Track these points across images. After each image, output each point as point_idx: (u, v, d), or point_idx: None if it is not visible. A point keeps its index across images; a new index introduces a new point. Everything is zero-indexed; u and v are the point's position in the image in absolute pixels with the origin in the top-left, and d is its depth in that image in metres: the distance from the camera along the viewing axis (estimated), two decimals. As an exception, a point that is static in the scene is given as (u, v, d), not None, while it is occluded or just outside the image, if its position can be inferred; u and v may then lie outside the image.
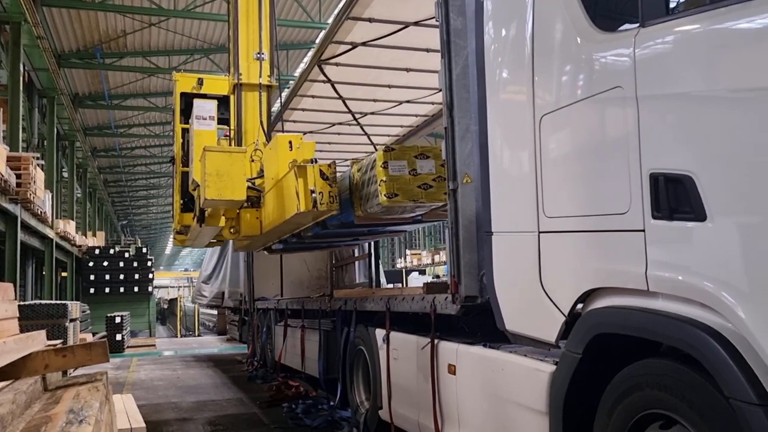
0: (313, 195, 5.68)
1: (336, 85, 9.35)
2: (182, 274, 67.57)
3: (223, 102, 8.70)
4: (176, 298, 30.70)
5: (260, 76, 7.95)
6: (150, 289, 24.06)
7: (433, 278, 29.32)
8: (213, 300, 16.71)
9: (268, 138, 7.74)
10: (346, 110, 10.54)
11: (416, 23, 7.47)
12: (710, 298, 2.48)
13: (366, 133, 11.89)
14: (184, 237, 9.16)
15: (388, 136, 12.38)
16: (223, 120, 8.70)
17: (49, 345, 3.31)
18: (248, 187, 6.75)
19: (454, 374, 4.44)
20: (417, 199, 5.02)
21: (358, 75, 9.01)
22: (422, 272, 30.30)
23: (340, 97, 9.89)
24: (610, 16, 3.21)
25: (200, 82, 9.37)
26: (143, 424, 2.69)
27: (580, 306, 3.30)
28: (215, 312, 23.52)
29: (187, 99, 9.08)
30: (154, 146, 33.47)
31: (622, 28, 3.04)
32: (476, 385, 4.17)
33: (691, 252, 2.58)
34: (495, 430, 3.94)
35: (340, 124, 11.18)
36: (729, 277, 2.42)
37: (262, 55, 7.94)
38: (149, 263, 24.30)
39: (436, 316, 4.72)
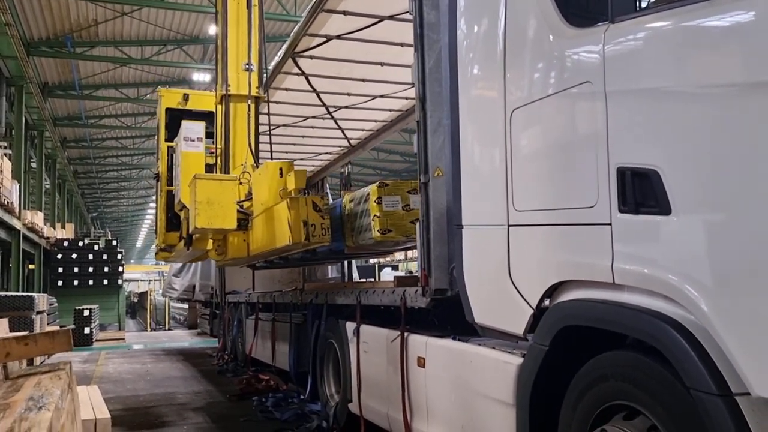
0: (305, 227, 5.63)
1: (310, 78, 9.30)
2: (153, 267, 66.78)
3: (208, 117, 8.60)
4: (146, 292, 30.35)
5: (249, 87, 7.81)
6: (120, 282, 23.77)
7: (406, 273, 29.36)
8: (184, 293, 16.57)
9: (256, 157, 7.66)
10: (320, 104, 10.51)
11: (391, 17, 7.45)
12: (674, 291, 2.52)
13: (340, 127, 11.88)
14: (167, 254, 9.14)
15: (362, 130, 12.35)
16: (208, 134, 8.61)
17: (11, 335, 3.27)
18: (237, 210, 6.72)
19: (424, 367, 4.45)
20: (410, 234, 5.03)
21: (333, 68, 8.96)
22: (395, 268, 30.32)
23: (314, 90, 9.84)
24: (581, 13, 3.24)
25: (186, 97, 9.29)
26: (108, 415, 2.66)
27: (547, 300, 3.34)
28: (186, 306, 23.32)
29: (173, 114, 9.00)
30: (125, 138, 32.99)
31: (592, 24, 3.07)
32: (445, 378, 4.19)
33: (656, 245, 2.62)
34: (463, 422, 3.97)
35: (314, 117, 11.10)
36: (692, 270, 2.46)
37: (251, 66, 7.82)
38: (119, 256, 24.00)
39: (406, 309, 4.73)
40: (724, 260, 2.36)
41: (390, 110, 11.20)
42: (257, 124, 7.93)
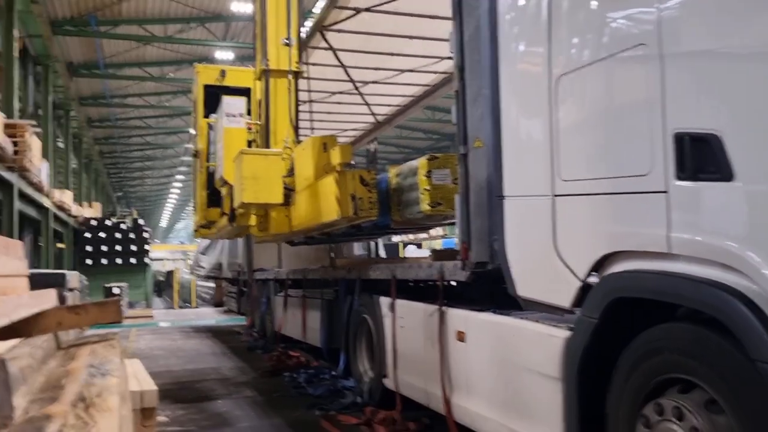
0: (354, 201, 5.59)
1: (338, 53, 9.22)
2: (177, 246, 67.46)
3: (245, 93, 8.53)
4: (173, 270, 30.67)
5: (289, 62, 7.69)
6: (146, 260, 24.00)
7: (430, 251, 29.23)
8: (211, 271, 16.68)
9: (297, 132, 7.60)
10: (347, 79, 10.42)
11: (421, -12, 7.34)
12: (738, 260, 2.43)
13: (367, 103, 11.79)
14: (207, 231, 9.15)
15: (389, 105, 12.27)
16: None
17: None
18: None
19: (463, 341, 4.40)
20: None
21: (361, 42, 8.88)
22: (419, 246, 30.24)
23: (342, 65, 9.77)
24: (633, -28, 3.11)
25: (223, 73, 9.22)
26: (154, 387, 2.64)
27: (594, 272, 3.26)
28: (212, 284, 23.51)
29: (209, 91, 8.95)
30: (149, 117, 33.14)
31: (646, -17, 2.94)
32: (486, 352, 4.13)
33: (718, 213, 2.53)
34: (505, 396, 3.91)
35: (340, 93, 11.03)
36: (756, 237, 2.37)
37: (291, 41, 7.71)
38: (146, 235, 24.21)
39: (444, 283, 4.67)
40: (794, 227, 2.26)
41: (417, 85, 11.10)
42: (297, 100, 7.86)
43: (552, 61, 3.46)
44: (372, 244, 13.71)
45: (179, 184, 51.81)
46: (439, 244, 33.31)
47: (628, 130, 2.96)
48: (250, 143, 7.73)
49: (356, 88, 10.66)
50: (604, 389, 3.17)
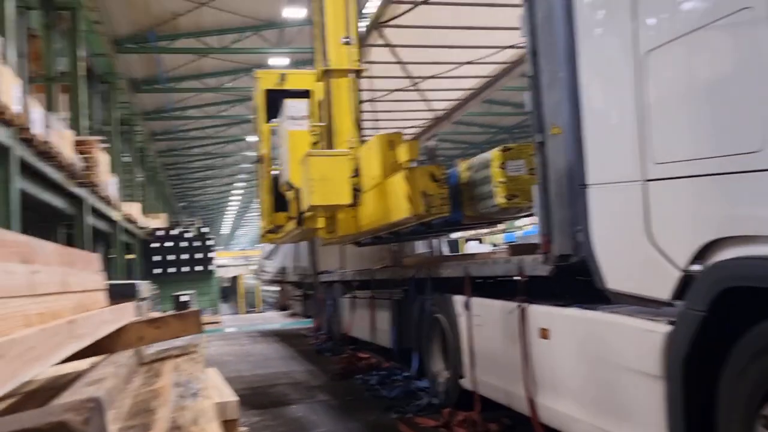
0: (425, 198, 5.45)
1: (395, 49, 9.09)
2: (240, 253, 68.63)
3: (305, 95, 8.48)
4: (237, 276, 31.16)
5: (349, 61, 7.58)
6: (212, 268, 24.44)
7: (493, 246, 28.83)
8: (276, 275, 16.79)
9: (360, 131, 7.51)
10: (404, 75, 10.28)
11: (480, -24, 7.13)
12: None
13: (425, 99, 11.62)
14: (274, 235, 9.16)
15: (448, 100, 12.07)
16: None
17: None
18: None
19: (547, 338, 4.18)
20: None
21: (419, 36, 8.73)
22: (480, 241, 29.81)
23: (399, 61, 9.63)
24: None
25: (283, 77, 9.22)
26: (236, 398, 2.55)
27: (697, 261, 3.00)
28: (277, 288, 23.74)
29: (270, 95, 8.95)
30: (209, 127, 33.78)
31: (746, -59, 2.68)
32: (574, 350, 3.90)
33: None
34: (597, 396, 3.68)
35: (397, 90, 10.89)
36: None
37: (350, 39, 7.61)
38: (210, 242, 24.66)
39: (524, 279, 4.46)
40: None
41: (476, 77, 10.87)
42: (359, 99, 7.75)
43: (639, 35, 3.22)
44: (435, 241, 13.52)
45: (239, 192, 52.73)
46: (500, 239, 32.82)
47: (735, 104, 2.70)
48: (313, 145, 7.66)
49: (414, 84, 10.50)
50: (709, 388, 2.91)
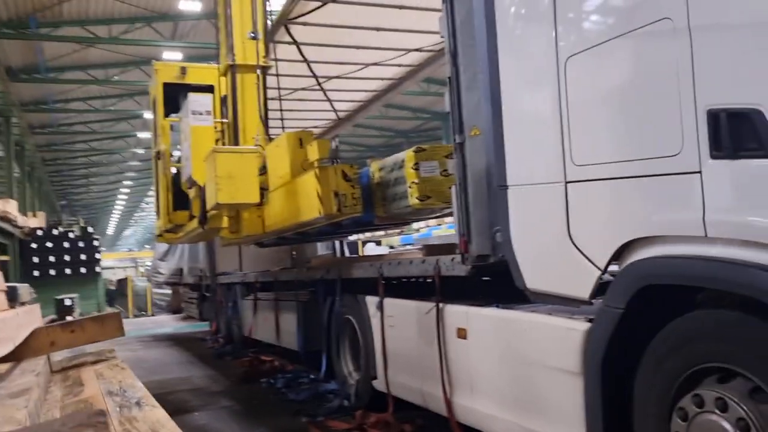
0: (337, 198, 5.35)
1: (302, 47, 8.94)
2: (126, 254, 65.78)
3: (208, 90, 8.11)
4: (126, 278, 29.76)
5: (257, 57, 7.33)
6: (98, 269, 23.18)
7: (390, 248, 29.11)
8: (171, 277, 16.14)
9: (267, 128, 7.27)
10: (310, 74, 10.14)
11: (391, -23, 7.13)
12: (789, 240, 2.30)
13: (329, 99, 11.52)
14: (173, 235, 8.70)
15: (352, 101, 12.03)
16: None
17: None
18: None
19: (465, 338, 4.22)
20: (450, 200, 4.73)
21: (327, 35, 8.62)
22: (378, 243, 30.02)
23: (305, 60, 9.48)
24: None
25: (183, 71, 8.77)
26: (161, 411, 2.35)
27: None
28: (168, 291, 22.84)
29: (169, 89, 8.52)
30: (94, 122, 32.07)
31: (666, -45, 2.80)
32: (493, 349, 3.96)
33: (764, 191, 2.40)
34: (516, 393, 3.75)
35: (302, 89, 10.73)
36: (812, 215, 2.24)
37: (257, 34, 7.36)
38: (95, 243, 23.37)
39: (441, 279, 4.48)
40: None
41: (381, 79, 10.88)
42: (266, 98, 7.53)
43: (560, 40, 3.30)
44: (337, 243, 13.46)
45: (126, 190, 50.44)
46: (396, 241, 33.21)
47: (654, 110, 2.82)
48: (216, 143, 7.39)
49: (319, 84, 10.38)
50: (626, 383, 3.03)
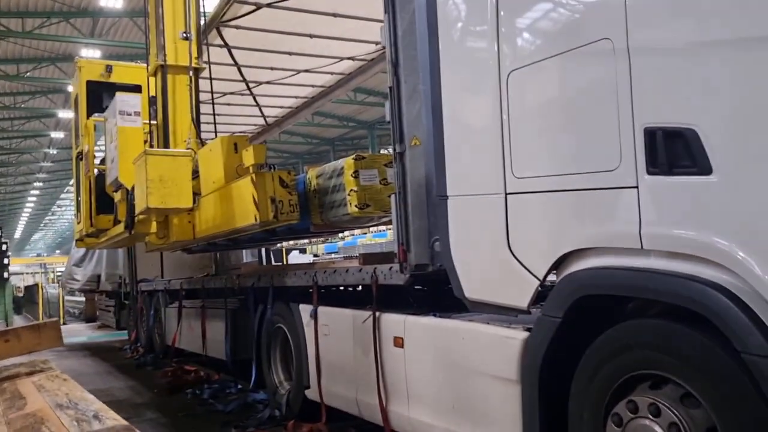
0: (273, 204, 5.25)
1: (233, 51, 8.79)
2: (36, 259, 62.84)
3: (135, 91, 7.82)
4: (36, 285, 28.34)
5: (190, 58, 7.13)
6: (5, 275, 21.96)
7: (313, 257, 28.96)
8: (87, 284, 15.48)
9: (199, 131, 7.07)
10: (240, 79, 9.98)
11: (328, -17, 7.11)
12: (720, 255, 2.42)
13: (258, 104, 11.37)
14: (95, 240, 8.31)
15: (281, 107, 11.92)
16: None
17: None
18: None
19: (402, 347, 4.24)
20: (389, 209, 4.71)
21: (259, 40, 8.50)
22: (302, 251, 29.82)
23: (236, 64, 9.32)
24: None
25: (109, 69, 8.43)
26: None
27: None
28: (81, 298, 21.91)
29: (93, 88, 8.18)
30: (4, 119, 30.50)
31: (606, -22, 2.91)
32: (430, 357, 3.99)
33: (695, 207, 2.52)
34: (453, 401, 3.79)
35: (231, 93, 10.54)
36: (742, 231, 2.38)
37: (190, 35, 7.14)
38: (4, 247, 22.14)
39: (378, 288, 4.49)
40: (779, 219, 2.28)
41: (312, 86, 10.83)
42: (198, 101, 7.34)
43: (502, 54, 3.38)
44: (263, 250, 13.28)
45: (37, 192, 48.20)
46: (321, 250, 33.07)
47: (593, 126, 2.92)
48: (144, 144, 7.15)
49: (249, 89, 10.23)
50: (564, 390, 3.12)
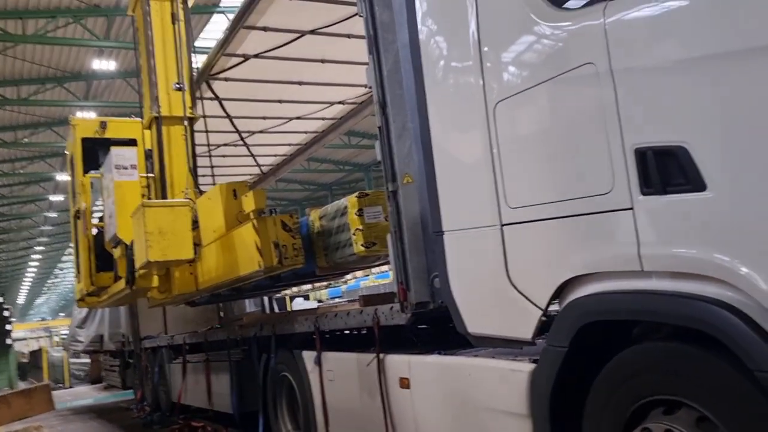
0: (277, 249, 5.18)
1: (224, 102, 8.88)
2: (39, 324, 62.49)
3: (129, 145, 7.86)
4: (40, 349, 28.11)
5: (184, 108, 7.20)
6: (9, 341, 21.81)
7: (318, 302, 28.79)
8: (90, 344, 15.34)
9: (196, 181, 7.08)
10: (233, 130, 10.06)
11: (312, 32, 7.21)
12: (722, 271, 2.38)
13: (252, 154, 11.44)
14: (96, 299, 8.23)
15: (275, 155, 12.00)
16: None
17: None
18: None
19: (408, 388, 4.15)
20: None
21: (249, 90, 8.60)
22: (306, 297, 29.68)
23: (228, 116, 9.41)
24: (567, -5, 3.11)
25: (103, 125, 8.50)
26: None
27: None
28: (87, 360, 21.69)
29: (89, 144, 8.23)
30: (2, 186, 30.66)
31: (584, 4, 2.94)
32: (437, 397, 3.91)
33: (694, 224, 2.48)
34: (464, 441, 3.69)
35: (225, 145, 10.62)
36: (742, 245, 2.33)
37: (182, 85, 7.22)
38: (6, 313, 22.03)
39: (380, 329, 4.42)
40: (779, 231, 2.24)
41: (305, 132, 10.93)
42: (194, 150, 7.36)
43: (488, 86, 3.38)
44: (266, 299, 13.19)
45: (39, 256, 48.20)
46: (324, 295, 32.88)
47: (583, 150, 2.90)
48: (142, 198, 7.14)
49: (242, 139, 10.31)
50: (577, 421, 3.04)
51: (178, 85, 7.15)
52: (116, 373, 15.70)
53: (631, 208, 2.69)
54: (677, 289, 2.55)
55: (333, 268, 5.81)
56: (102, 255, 7.71)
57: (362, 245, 5.08)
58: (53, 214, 35.49)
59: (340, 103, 9.40)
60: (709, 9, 2.43)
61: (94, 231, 8.00)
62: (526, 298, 3.25)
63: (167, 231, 5.65)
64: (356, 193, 5.28)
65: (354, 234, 5.15)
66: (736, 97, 2.35)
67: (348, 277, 28.32)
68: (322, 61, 7.87)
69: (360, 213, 5.12)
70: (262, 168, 12.34)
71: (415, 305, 4.03)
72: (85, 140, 8.37)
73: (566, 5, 3.03)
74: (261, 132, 10.32)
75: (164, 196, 6.90)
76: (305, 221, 5.81)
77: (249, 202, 5.36)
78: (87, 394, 18.27)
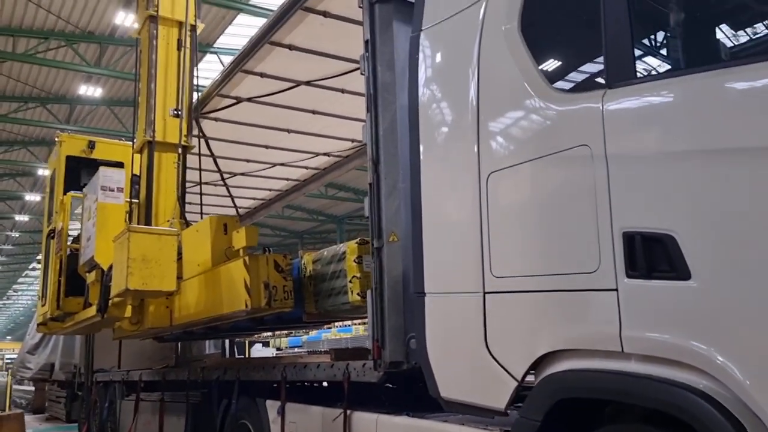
0: (267, 290, 5.06)
1: (209, 142, 8.89)
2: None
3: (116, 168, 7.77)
4: (-18, 372, 27.01)
5: (179, 135, 7.14)
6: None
7: (276, 350, 28.34)
8: (39, 372, 14.82)
9: (183, 210, 6.98)
10: (215, 169, 10.05)
11: (307, 83, 7.33)
12: (700, 360, 2.43)
13: (231, 195, 11.40)
14: (59, 324, 7.90)
15: (254, 199, 11.99)
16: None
17: None
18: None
19: (373, 448, 4.09)
20: None
21: (236, 132, 8.65)
22: (265, 344, 29.22)
23: (212, 155, 9.41)
24: (567, 77, 3.25)
25: (91, 145, 8.39)
26: None
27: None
28: (31, 387, 20.89)
29: (73, 163, 8.12)
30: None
31: (584, 89, 3.06)
32: (403, 460, 3.85)
33: (676, 312, 2.55)
34: (425, 508, 3.64)
35: (206, 183, 10.57)
36: (721, 337, 2.40)
37: (180, 112, 7.18)
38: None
39: (349, 385, 4.38)
40: (757, 325, 2.31)
41: (287, 179, 10.97)
42: (185, 179, 7.30)
43: (482, 156, 3.47)
44: (226, 342, 12.95)
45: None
46: (285, 343, 32.36)
47: (573, 228, 2.97)
48: (125, 223, 7.00)
49: (223, 180, 10.28)
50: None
51: (176, 111, 7.12)
52: (62, 404, 15.14)
53: (615, 289, 2.75)
54: (656, 374, 2.59)
55: (322, 315, 5.62)
56: (73, 278, 7.46)
57: (358, 294, 4.88)
58: (15, 234, 34.72)
59: (325, 154, 9.49)
60: (702, 108, 2.55)
61: (69, 252, 7.78)
62: (503, 367, 3.26)
63: (151, 259, 5.48)
64: (357, 239, 5.09)
65: (350, 281, 4.96)
66: (726, 193, 2.44)
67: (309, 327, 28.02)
68: (314, 112, 7.98)
69: (359, 260, 4.91)
70: (239, 210, 12.28)
71: (388, 364, 4.01)
72: (69, 158, 8.25)
73: (565, 87, 3.15)
74: (242, 174, 10.33)
75: (148, 223, 6.78)
76: (297, 264, 5.65)
77: (240, 239, 5.26)
78: (29, 425, 17.52)
